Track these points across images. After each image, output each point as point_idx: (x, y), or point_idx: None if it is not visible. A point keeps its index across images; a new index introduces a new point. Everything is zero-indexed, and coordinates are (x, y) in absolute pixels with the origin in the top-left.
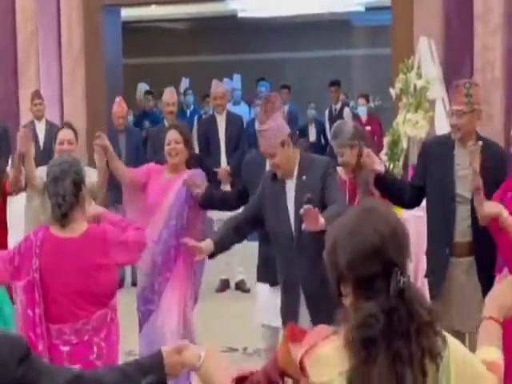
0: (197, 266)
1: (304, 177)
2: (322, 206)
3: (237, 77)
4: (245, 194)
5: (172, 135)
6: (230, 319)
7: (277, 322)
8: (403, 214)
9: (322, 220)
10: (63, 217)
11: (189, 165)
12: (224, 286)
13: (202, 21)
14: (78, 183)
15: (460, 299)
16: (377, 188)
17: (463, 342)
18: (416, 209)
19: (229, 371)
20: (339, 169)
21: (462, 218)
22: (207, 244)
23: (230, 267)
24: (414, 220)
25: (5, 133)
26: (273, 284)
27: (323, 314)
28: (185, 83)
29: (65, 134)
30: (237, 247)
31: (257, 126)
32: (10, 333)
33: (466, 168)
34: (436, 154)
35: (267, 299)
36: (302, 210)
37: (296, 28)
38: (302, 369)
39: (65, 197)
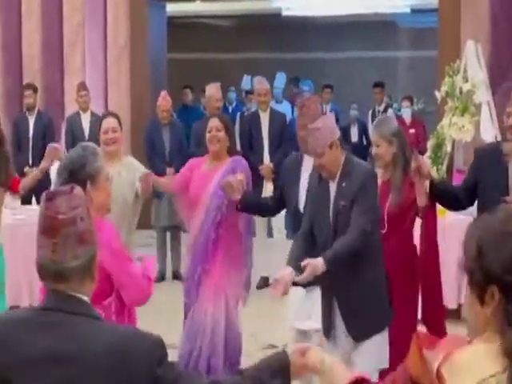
0: (244, 257)
1: (344, 183)
2: None
3: (280, 75)
4: (282, 200)
5: (213, 122)
6: (270, 316)
7: (308, 325)
8: (447, 218)
9: (318, 264)
10: None
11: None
12: (264, 283)
13: (247, 18)
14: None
15: None
16: (431, 194)
17: None
18: (463, 213)
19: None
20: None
21: None
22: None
23: (270, 264)
24: (459, 224)
25: (50, 123)
26: (306, 286)
27: (355, 318)
28: (247, 80)
29: (109, 122)
30: (278, 244)
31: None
32: (150, 333)
33: None
34: (488, 160)
35: (299, 302)
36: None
37: (340, 28)
38: (439, 378)
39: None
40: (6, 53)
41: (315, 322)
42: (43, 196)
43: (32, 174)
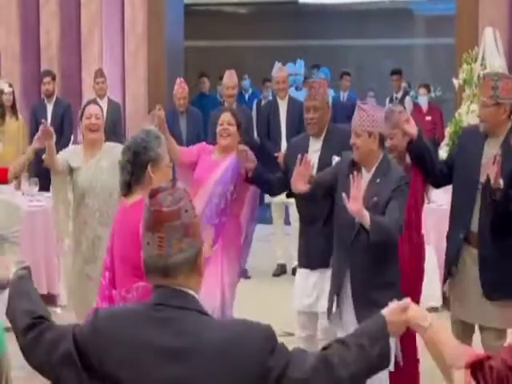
0: (242, 247)
1: (378, 180)
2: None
3: (300, 62)
4: (287, 181)
5: (225, 117)
6: (286, 303)
7: (315, 307)
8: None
9: (365, 212)
10: (123, 185)
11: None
12: (281, 270)
13: (264, 5)
14: (137, 159)
15: (469, 290)
16: (410, 155)
17: (472, 333)
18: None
19: (457, 344)
20: None
21: (480, 207)
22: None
23: (287, 252)
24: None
25: (68, 109)
26: (312, 268)
27: (365, 302)
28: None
29: (92, 109)
30: (295, 232)
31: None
32: (258, 323)
33: (490, 159)
34: (468, 141)
35: (304, 284)
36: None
37: (357, 15)
38: None
39: (123, 168)
40: (24, 40)
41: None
42: (147, 194)
43: (23, 156)
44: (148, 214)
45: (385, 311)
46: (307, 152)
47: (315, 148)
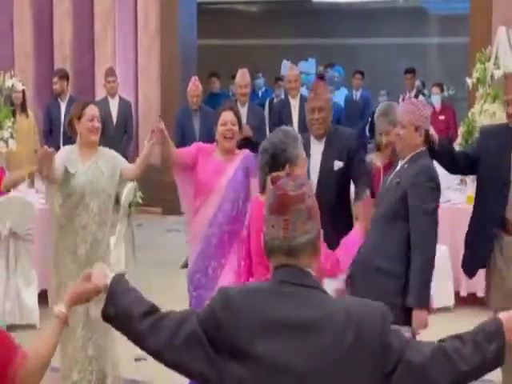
0: None
1: (406, 165)
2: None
3: (311, 61)
4: None
5: (229, 116)
6: None
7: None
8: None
9: None
10: (261, 184)
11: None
12: None
13: (277, 3)
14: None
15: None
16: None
17: None
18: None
19: None
20: (373, 156)
21: None
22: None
23: None
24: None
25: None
26: None
27: None
28: (285, 65)
29: (94, 110)
30: None
31: None
32: (376, 302)
33: None
34: (492, 140)
35: None
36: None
37: (370, 14)
38: None
39: (262, 169)
40: (37, 38)
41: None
42: (269, 181)
43: (18, 176)
44: (273, 198)
45: (501, 315)
46: (309, 154)
47: (317, 150)
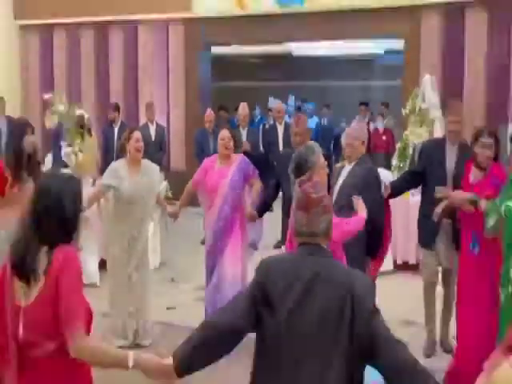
0: (252, 230)
1: (353, 175)
2: None
3: (291, 97)
4: (278, 186)
5: (226, 133)
6: None
7: None
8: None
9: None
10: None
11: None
12: (278, 244)
13: (268, 56)
14: (300, 168)
15: (446, 243)
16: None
17: (449, 277)
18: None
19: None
20: (340, 163)
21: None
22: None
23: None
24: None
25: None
26: None
27: None
28: (271, 101)
29: (139, 134)
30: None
31: None
32: (368, 279)
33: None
34: (435, 150)
35: None
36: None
37: (335, 64)
38: None
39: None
40: (99, 81)
41: None
42: (296, 183)
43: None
44: (300, 197)
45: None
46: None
47: None
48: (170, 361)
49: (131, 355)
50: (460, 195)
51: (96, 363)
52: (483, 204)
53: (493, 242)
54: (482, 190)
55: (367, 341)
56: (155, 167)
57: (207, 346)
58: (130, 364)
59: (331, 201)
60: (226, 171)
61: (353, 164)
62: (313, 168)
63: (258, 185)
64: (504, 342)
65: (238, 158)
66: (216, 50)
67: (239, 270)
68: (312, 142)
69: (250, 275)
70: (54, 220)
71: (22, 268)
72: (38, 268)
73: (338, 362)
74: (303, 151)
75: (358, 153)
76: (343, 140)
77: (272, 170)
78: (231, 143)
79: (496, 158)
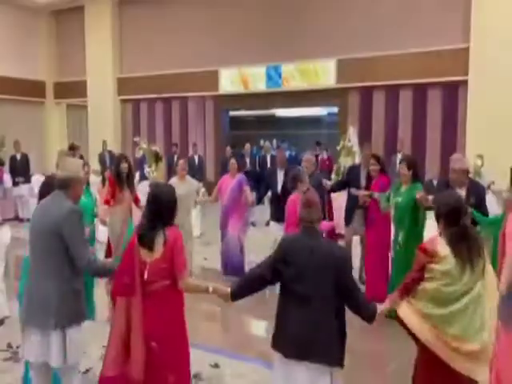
0: (246, 216)
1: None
2: None
3: (274, 140)
4: (267, 188)
5: (233, 160)
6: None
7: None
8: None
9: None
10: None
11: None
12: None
13: (261, 117)
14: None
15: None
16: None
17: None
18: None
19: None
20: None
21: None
22: None
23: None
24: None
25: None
26: (279, 221)
27: None
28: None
29: (182, 162)
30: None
31: None
32: (346, 250)
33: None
34: (354, 171)
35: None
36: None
37: (301, 121)
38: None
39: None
40: (166, 134)
41: None
42: (302, 192)
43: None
44: (305, 199)
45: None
46: (276, 178)
47: (280, 176)
48: (229, 289)
49: (210, 286)
50: (362, 193)
51: (192, 291)
52: (375, 195)
53: (385, 218)
54: (374, 189)
55: (344, 286)
56: (194, 181)
57: (249, 284)
58: (210, 290)
59: (320, 201)
60: (231, 181)
61: (308, 174)
62: (302, 180)
63: (248, 190)
64: (400, 287)
65: (239, 175)
66: (232, 113)
67: (236, 234)
68: (298, 167)
69: (244, 238)
70: (165, 212)
71: (146, 241)
72: (157, 240)
73: (330, 299)
74: (296, 171)
75: (311, 169)
76: (303, 163)
77: (263, 179)
78: (236, 165)
79: (382, 170)
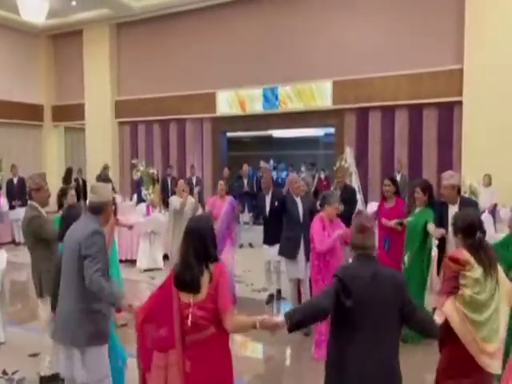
0: (233, 236)
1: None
2: None
3: (271, 161)
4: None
5: (222, 181)
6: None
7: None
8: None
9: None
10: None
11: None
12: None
13: (260, 137)
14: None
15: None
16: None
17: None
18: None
19: None
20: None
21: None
22: None
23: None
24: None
25: (168, 181)
26: (271, 244)
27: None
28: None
29: (181, 181)
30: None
31: None
32: (402, 276)
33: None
34: (351, 190)
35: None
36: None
37: (297, 141)
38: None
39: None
40: (164, 157)
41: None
42: (355, 215)
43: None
44: (358, 224)
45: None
46: (265, 199)
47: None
48: (280, 318)
49: (257, 320)
50: (392, 223)
51: (240, 330)
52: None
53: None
54: (392, 213)
55: (407, 311)
56: (192, 199)
57: (309, 316)
58: (258, 326)
59: (374, 226)
60: (222, 204)
61: (301, 196)
62: (330, 203)
63: (238, 210)
64: (439, 291)
65: (228, 198)
66: (229, 134)
67: (230, 262)
68: (328, 191)
69: (233, 261)
70: (207, 247)
71: (188, 282)
72: (202, 281)
73: (393, 325)
74: (328, 192)
75: (304, 189)
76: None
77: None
78: (225, 187)
79: (396, 192)
